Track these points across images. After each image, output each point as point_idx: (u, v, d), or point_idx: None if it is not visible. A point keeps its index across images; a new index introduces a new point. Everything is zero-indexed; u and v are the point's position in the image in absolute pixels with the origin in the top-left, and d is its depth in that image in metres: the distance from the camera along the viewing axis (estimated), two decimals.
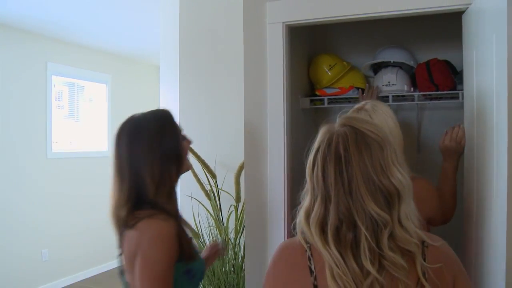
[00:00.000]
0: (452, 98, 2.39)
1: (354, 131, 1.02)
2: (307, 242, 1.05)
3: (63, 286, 5.17)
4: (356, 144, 0.99)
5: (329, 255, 0.97)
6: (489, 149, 1.52)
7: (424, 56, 2.52)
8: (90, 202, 5.54)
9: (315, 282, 1.00)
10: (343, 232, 0.97)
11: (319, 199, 1.01)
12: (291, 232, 2.11)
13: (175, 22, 2.99)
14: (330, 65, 2.51)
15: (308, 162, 1.07)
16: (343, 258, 0.96)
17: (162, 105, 3.51)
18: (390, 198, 0.98)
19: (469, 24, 1.78)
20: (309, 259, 1.02)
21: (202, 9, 2.56)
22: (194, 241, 1.49)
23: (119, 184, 1.37)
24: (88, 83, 5.71)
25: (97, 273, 5.62)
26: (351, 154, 0.98)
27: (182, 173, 1.46)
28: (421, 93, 2.41)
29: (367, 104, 1.75)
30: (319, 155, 1.03)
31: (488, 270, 1.54)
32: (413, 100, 2.42)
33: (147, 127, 1.40)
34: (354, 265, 0.96)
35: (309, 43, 2.70)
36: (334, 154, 1.00)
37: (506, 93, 1.40)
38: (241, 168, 2.53)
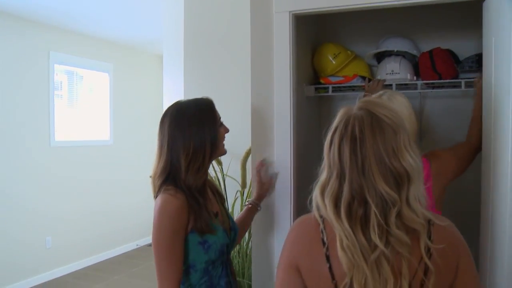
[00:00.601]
0: (454, 86, 2.42)
1: (370, 115, 1.08)
2: (320, 216, 1.13)
3: (66, 273, 5.23)
4: (371, 127, 1.06)
5: (340, 228, 1.04)
6: (506, 135, 1.57)
7: (427, 45, 2.55)
8: (94, 191, 5.59)
9: (327, 253, 1.08)
10: (355, 207, 1.05)
11: (334, 175, 1.09)
12: (297, 217, 2.16)
13: (179, 10, 2.99)
14: (334, 54, 2.54)
15: (326, 140, 1.14)
16: (353, 232, 1.03)
17: (166, 95, 3.53)
18: (399, 180, 1.04)
19: (489, 12, 1.81)
20: (322, 232, 1.11)
21: None
22: (212, 216, 1.59)
23: (158, 157, 1.57)
24: (87, 73, 5.71)
25: (100, 260, 5.68)
26: (366, 136, 1.05)
27: (217, 156, 1.67)
28: (424, 81, 2.44)
29: (384, 94, 1.82)
30: (336, 135, 1.10)
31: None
32: (416, 88, 2.46)
33: (189, 111, 1.58)
34: (363, 239, 1.02)
35: (314, 32, 2.72)
36: (350, 135, 1.06)
37: None
38: (247, 154, 2.57)
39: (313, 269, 1.11)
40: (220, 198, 1.78)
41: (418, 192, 1.06)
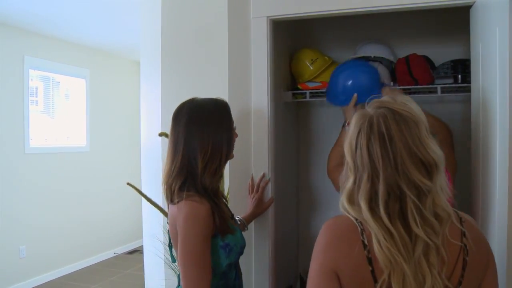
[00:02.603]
0: (430, 92, 2.46)
1: (390, 111, 1.11)
2: (356, 219, 1.11)
3: (41, 283, 5.10)
4: (395, 121, 1.08)
5: (378, 228, 1.04)
6: (493, 140, 1.59)
7: (403, 51, 2.59)
8: (70, 198, 5.49)
9: (369, 255, 1.06)
10: (391, 204, 1.06)
11: (365, 177, 1.09)
12: (276, 226, 2.15)
13: (157, 16, 2.96)
14: (312, 60, 2.56)
15: (348, 146, 1.15)
16: (394, 228, 1.04)
17: (143, 101, 3.50)
18: (430, 168, 1.07)
19: (476, 18, 1.84)
20: (362, 234, 1.08)
21: (185, 2, 2.55)
22: (229, 217, 1.58)
23: (172, 156, 1.50)
24: (64, 79, 5.62)
25: (76, 269, 5.57)
26: (393, 131, 1.07)
27: (229, 159, 1.60)
28: (401, 87, 2.47)
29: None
30: (361, 137, 1.10)
31: None
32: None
33: (208, 110, 1.52)
34: (404, 234, 1.04)
35: (291, 38, 2.73)
36: (377, 133, 1.08)
37: (507, 86, 1.48)
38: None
39: (355, 273, 1.08)
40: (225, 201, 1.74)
41: (444, 181, 1.09)
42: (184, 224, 1.41)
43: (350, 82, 2.17)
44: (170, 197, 1.50)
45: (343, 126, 2.13)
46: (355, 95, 2.08)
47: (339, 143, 2.09)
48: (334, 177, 2.07)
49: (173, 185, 1.48)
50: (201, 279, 1.39)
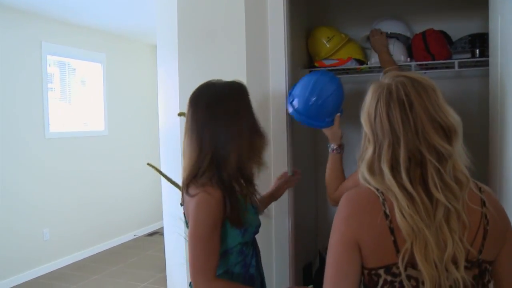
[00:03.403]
0: (447, 67, 2.45)
1: (408, 79, 1.12)
2: (377, 189, 1.11)
3: (65, 264, 5.22)
4: (414, 88, 1.10)
5: (401, 194, 1.05)
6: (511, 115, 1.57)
7: (420, 27, 2.57)
8: (90, 182, 5.58)
9: (391, 225, 1.06)
10: (412, 169, 1.07)
11: (385, 144, 1.10)
12: (294, 205, 2.18)
13: None
14: (328, 37, 2.56)
15: (366, 115, 1.15)
16: (416, 193, 1.05)
17: (160, 85, 3.52)
18: (449, 133, 1.08)
19: None
20: (384, 204, 1.08)
21: None
22: (241, 203, 1.51)
23: (197, 149, 1.44)
24: (80, 64, 5.67)
25: (99, 251, 5.69)
26: (413, 98, 1.08)
27: (264, 144, 1.54)
28: (418, 62, 2.46)
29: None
30: (380, 104, 1.11)
31: None
32: (409, 69, 2.47)
33: (230, 96, 1.46)
34: (425, 199, 1.05)
35: (308, 16, 2.73)
36: (396, 100, 1.09)
37: None
38: None
39: (376, 243, 1.08)
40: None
41: (462, 148, 1.11)
42: (195, 209, 1.41)
43: (338, 103, 1.93)
44: (186, 189, 1.46)
45: (332, 150, 1.91)
46: (338, 115, 1.91)
47: (332, 167, 1.90)
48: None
49: (198, 179, 1.44)
50: (207, 263, 1.39)
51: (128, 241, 6.11)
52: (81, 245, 5.49)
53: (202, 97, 1.47)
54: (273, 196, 1.93)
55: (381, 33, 2.42)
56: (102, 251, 5.72)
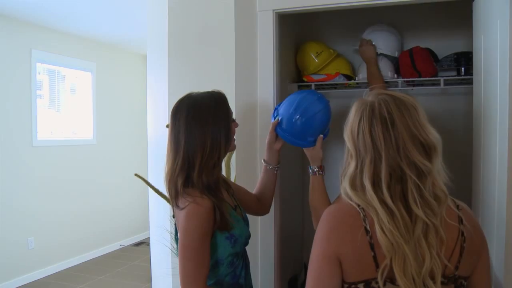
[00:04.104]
0: (433, 84, 2.49)
1: (391, 97, 1.15)
2: (358, 205, 1.13)
3: (49, 274, 5.17)
4: (396, 106, 1.13)
5: (382, 209, 1.07)
6: (494, 133, 1.61)
7: (407, 44, 2.62)
8: (77, 190, 5.54)
9: (371, 241, 1.09)
10: (393, 185, 1.10)
11: (367, 160, 1.12)
12: (281, 218, 2.20)
13: (163, 9, 2.99)
14: (317, 52, 2.59)
15: (349, 132, 1.18)
16: (396, 209, 1.07)
17: (150, 94, 3.53)
18: (429, 151, 1.11)
19: (478, 11, 1.87)
20: (364, 220, 1.11)
21: None
22: (230, 211, 1.56)
23: (174, 153, 1.51)
24: (70, 72, 5.65)
25: (84, 260, 5.64)
26: (395, 115, 1.11)
27: (229, 151, 1.62)
28: (404, 79, 2.50)
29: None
30: (363, 121, 1.14)
31: None
32: (396, 86, 2.51)
33: (205, 105, 1.52)
34: (405, 214, 1.08)
35: (297, 31, 2.77)
36: (379, 117, 1.12)
37: (508, 78, 1.50)
38: (231, 152, 2.57)
39: (357, 258, 1.10)
40: (229, 189, 1.72)
41: (440, 166, 1.13)
42: (184, 219, 1.43)
43: (323, 123, 1.84)
44: (175, 198, 1.50)
45: (313, 172, 1.82)
46: (321, 136, 1.83)
47: (314, 188, 1.82)
48: None
49: (177, 182, 1.49)
50: (198, 273, 1.41)
51: (115, 251, 6.07)
52: (67, 254, 5.43)
53: (181, 107, 1.53)
54: (265, 183, 1.89)
55: (370, 43, 2.46)
56: (88, 261, 5.67)
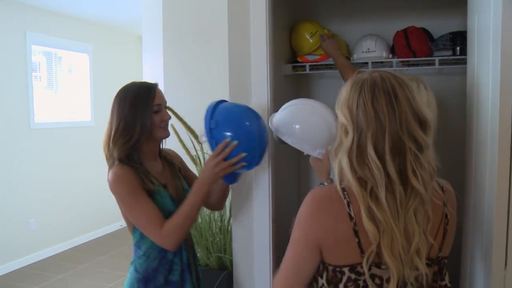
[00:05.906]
0: (428, 64, 2.48)
1: (390, 73, 1.15)
2: (343, 190, 1.12)
3: (51, 254, 5.25)
4: (397, 81, 1.12)
5: (383, 181, 1.06)
6: (485, 115, 1.60)
7: (402, 24, 2.59)
8: (76, 171, 5.58)
9: (355, 228, 1.08)
10: (392, 157, 1.09)
11: (369, 134, 1.09)
12: (275, 195, 2.20)
13: None
14: (311, 33, 2.58)
15: (344, 106, 1.15)
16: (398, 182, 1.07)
17: (146, 74, 3.53)
18: (425, 127, 1.11)
19: None
20: (348, 206, 1.10)
21: None
22: (157, 186, 1.72)
23: (108, 132, 1.74)
24: (66, 53, 5.64)
25: (85, 241, 5.71)
26: (397, 90, 1.10)
27: (157, 139, 1.79)
28: (399, 59, 2.49)
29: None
30: (364, 94, 1.11)
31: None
32: (391, 66, 2.50)
33: (129, 93, 1.74)
34: (401, 188, 1.07)
35: (291, 11, 2.74)
36: (382, 90, 1.10)
37: (499, 58, 1.48)
38: None
39: (340, 245, 1.10)
40: (173, 170, 1.89)
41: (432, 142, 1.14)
42: (113, 186, 1.64)
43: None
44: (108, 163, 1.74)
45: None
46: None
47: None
48: None
49: (107, 151, 1.74)
50: (150, 214, 1.61)
51: (115, 231, 6.14)
52: (68, 235, 5.50)
53: (119, 91, 1.76)
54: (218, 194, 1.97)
55: (331, 36, 2.46)
56: (89, 241, 5.75)
